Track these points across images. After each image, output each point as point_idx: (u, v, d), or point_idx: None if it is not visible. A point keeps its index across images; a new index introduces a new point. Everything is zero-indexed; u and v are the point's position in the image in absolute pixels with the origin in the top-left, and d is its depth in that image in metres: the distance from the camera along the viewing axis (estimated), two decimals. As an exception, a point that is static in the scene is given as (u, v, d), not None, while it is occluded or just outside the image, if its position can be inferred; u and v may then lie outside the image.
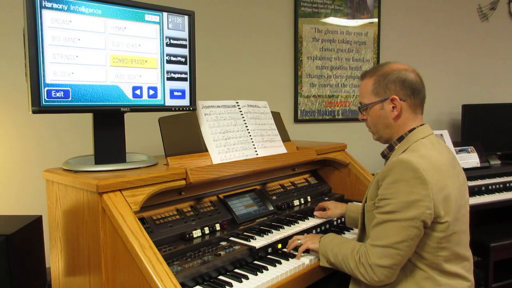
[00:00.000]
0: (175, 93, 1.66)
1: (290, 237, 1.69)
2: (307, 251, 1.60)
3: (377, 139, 1.52)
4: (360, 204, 1.55)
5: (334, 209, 1.90)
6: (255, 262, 1.54)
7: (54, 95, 1.36)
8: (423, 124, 1.43)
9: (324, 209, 1.93)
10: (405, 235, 1.25)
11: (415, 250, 1.30)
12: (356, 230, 1.87)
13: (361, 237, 1.50)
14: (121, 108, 1.52)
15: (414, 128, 1.41)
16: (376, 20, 3.18)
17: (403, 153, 1.36)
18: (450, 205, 1.28)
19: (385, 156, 1.50)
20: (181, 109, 1.68)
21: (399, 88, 1.40)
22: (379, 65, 1.50)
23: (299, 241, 1.59)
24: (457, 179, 1.36)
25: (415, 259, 1.32)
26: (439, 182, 1.27)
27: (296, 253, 1.57)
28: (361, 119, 1.52)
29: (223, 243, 1.57)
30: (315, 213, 1.93)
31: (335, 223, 1.96)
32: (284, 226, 1.77)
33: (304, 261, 1.54)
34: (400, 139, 1.43)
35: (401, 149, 1.40)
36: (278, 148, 2.00)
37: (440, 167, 1.30)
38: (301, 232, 1.75)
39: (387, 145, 1.50)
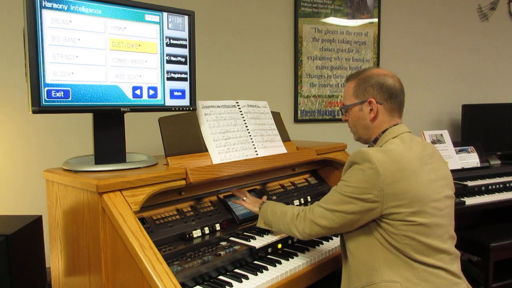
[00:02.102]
0: (175, 93, 1.66)
1: (290, 237, 1.69)
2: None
3: (357, 139, 1.59)
4: None
5: None
6: (255, 262, 1.54)
7: (54, 95, 1.36)
8: (397, 124, 1.49)
9: None
10: (344, 207, 1.35)
11: (384, 237, 1.34)
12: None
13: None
14: (121, 108, 1.52)
15: (387, 129, 1.48)
16: (376, 20, 3.18)
17: None
18: (407, 197, 1.31)
19: None
20: (181, 109, 1.68)
21: (377, 92, 1.48)
22: (363, 69, 1.58)
23: (245, 199, 1.75)
24: (426, 174, 1.38)
25: (388, 246, 1.35)
26: (394, 174, 1.31)
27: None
28: (344, 119, 1.61)
29: (223, 243, 1.57)
30: None
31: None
32: (284, 226, 1.77)
33: (304, 261, 1.55)
34: (375, 140, 1.51)
35: None
36: (278, 148, 2.00)
37: (401, 161, 1.34)
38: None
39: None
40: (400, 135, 1.46)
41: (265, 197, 1.84)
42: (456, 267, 1.41)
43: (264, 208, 1.64)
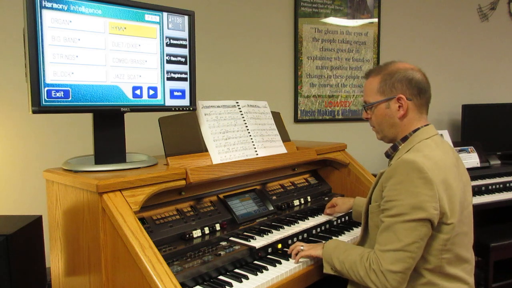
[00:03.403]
0: (175, 93, 1.66)
1: (290, 237, 1.69)
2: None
3: (381, 138, 1.50)
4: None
5: (342, 204, 1.91)
6: (255, 262, 1.54)
7: (54, 95, 1.36)
8: (427, 125, 1.42)
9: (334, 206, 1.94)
10: (416, 236, 1.22)
11: (422, 256, 1.28)
12: (356, 230, 1.87)
13: (364, 237, 1.50)
14: (121, 108, 1.52)
15: (418, 128, 1.40)
16: (376, 20, 3.18)
17: (407, 153, 1.35)
18: (455, 206, 1.27)
19: (389, 156, 1.49)
20: (181, 109, 1.68)
21: (406, 87, 1.39)
22: (385, 64, 1.48)
23: (301, 248, 1.55)
24: (460, 180, 1.35)
25: (418, 264, 1.29)
26: (444, 182, 1.25)
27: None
28: (365, 118, 1.51)
29: (223, 243, 1.57)
30: (326, 210, 1.93)
31: (335, 223, 1.96)
32: (284, 226, 1.77)
33: (304, 261, 1.54)
34: (404, 139, 1.42)
35: (405, 149, 1.39)
36: (278, 148, 2.00)
37: (445, 167, 1.29)
38: (301, 232, 1.75)
39: (390, 144, 1.49)
40: (432, 137, 1.38)
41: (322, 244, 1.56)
42: (473, 278, 1.38)
43: (327, 254, 1.44)
